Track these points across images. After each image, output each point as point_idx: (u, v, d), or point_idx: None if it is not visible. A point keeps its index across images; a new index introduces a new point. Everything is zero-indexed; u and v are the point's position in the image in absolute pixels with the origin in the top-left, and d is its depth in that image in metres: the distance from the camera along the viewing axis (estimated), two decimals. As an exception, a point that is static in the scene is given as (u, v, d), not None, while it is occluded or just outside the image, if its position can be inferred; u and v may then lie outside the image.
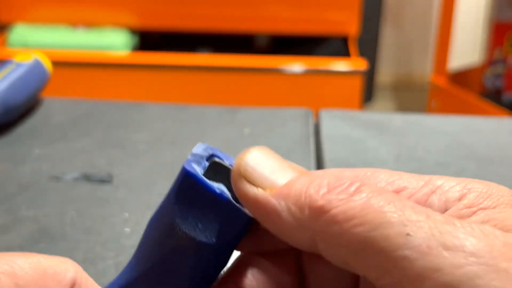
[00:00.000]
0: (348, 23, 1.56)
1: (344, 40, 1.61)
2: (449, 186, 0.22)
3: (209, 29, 1.57)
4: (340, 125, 0.61)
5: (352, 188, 0.20)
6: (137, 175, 0.52)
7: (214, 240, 0.23)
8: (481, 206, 0.21)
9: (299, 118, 0.63)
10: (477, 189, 0.22)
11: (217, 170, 0.24)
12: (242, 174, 0.22)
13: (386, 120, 0.62)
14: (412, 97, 2.33)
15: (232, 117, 0.63)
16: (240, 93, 1.46)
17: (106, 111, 0.64)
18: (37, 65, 0.63)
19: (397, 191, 0.22)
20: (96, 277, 0.27)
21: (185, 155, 0.56)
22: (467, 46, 2.22)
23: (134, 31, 1.58)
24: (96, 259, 0.40)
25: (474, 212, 0.21)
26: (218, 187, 0.23)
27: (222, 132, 0.60)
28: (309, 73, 1.45)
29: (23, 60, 0.62)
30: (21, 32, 1.50)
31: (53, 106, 0.64)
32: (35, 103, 0.64)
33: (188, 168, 0.23)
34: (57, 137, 0.58)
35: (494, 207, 0.21)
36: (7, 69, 0.60)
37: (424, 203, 0.22)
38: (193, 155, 0.24)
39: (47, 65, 0.64)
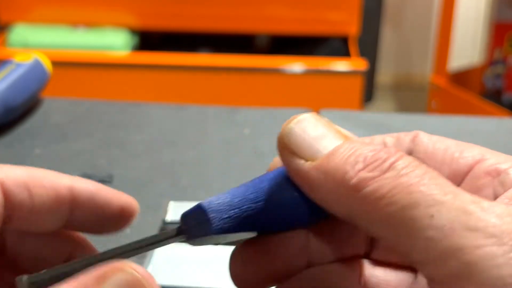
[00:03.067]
0: (348, 23, 1.57)
1: (344, 40, 1.61)
2: None
3: (209, 29, 1.57)
4: (340, 125, 0.61)
5: (386, 164, 0.21)
6: (137, 175, 0.52)
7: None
8: None
9: (299, 118, 0.63)
10: None
11: None
12: (286, 144, 0.23)
13: (386, 120, 0.62)
14: (412, 97, 2.33)
15: (232, 117, 0.63)
16: (240, 93, 1.46)
17: (106, 111, 0.64)
18: (37, 65, 0.63)
19: (482, 160, 0.24)
20: (96, 277, 0.27)
21: (185, 155, 0.57)
22: (467, 46, 2.22)
23: (134, 31, 1.58)
24: (96, 259, 0.40)
25: None
26: None
27: (222, 132, 0.60)
28: (309, 73, 1.45)
29: (23, 60, 0.62)
30: (21, 32, 1.50)
31: (53, 106, 0.64)
32: (35, 103, 0.64)
33: None
34: (57, 137, 0.58)
35: None
36: (7, 69, 0.61)
37: (501, 173, 0.23)
38: None
39: (47, 65, 0.64)
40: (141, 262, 0.40)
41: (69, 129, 0.60)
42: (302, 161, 0.23)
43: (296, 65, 1.45)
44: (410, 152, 0.26)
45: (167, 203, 0.45)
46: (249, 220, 0.24)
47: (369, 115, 0.65)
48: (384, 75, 2.39)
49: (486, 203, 0.20)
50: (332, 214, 0.23)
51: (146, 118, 0.63)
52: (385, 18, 2.19)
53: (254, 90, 1.46)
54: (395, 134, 0.27)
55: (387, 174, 0.21)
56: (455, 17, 1.79)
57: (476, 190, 0.24)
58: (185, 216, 0.25)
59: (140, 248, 0.24)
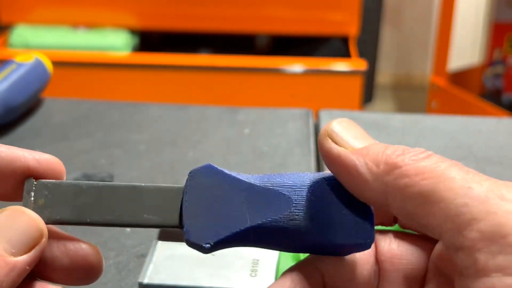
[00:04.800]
0: (348, 23, 1.57)
1: (344, 41, 1.61)
2: None
3: (209, 30, 1.57)
4: (339, 125, 0.61)
5: (423, 155, 0.23)
6: (137, 175, 0.52)
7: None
8: None
9: (299, 118, 0.63)
10: None
11: None
12: (329, 135, 0.26)
13: (385, 120, 0.62)
14: (412, 98, 2.33)
15: (232, 117, 0.63)
16: (240, 93, 1.46)
17: (106, 111, 0.64)
18: (38, 65, 0.63)
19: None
20: (97, 276, 0.27)
21: (185, 155, 0.57)
22: (467, 47, 2.22)
23: (134, 32, 1.58)
24: (97, 259, 0.41)
25: None
26: None
27: (222, 132, 0.60)
28: (309, 73, 1.45)
29: (24, 60, 0.63)
30: (22, 33, 1.51)
31: (54, 106, 0.65)
32: (36, 103, 0.64)
33: None
34: (58, 137, 0.58)
35: None
36: (8, 69, 0.61)
37: None
38: None
39: (48, 65, 0.64)
40: (141, 262, 0.40)
41: (70, 129, 0.60)
42: (342, 148, 0.25)
43: (296, 65, 1.45)
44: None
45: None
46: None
47: (369, 115, 0.65)
48: (384, 75, 2.39)
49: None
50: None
51: (146, 118, 0.63)
52: (385, 18, 2.19)
53: (254, 90, 1.46)
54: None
55: (426, 160, 0.23)
56: (454, 17, 1.79)
57: None
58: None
59: (142, 226, 0.26)
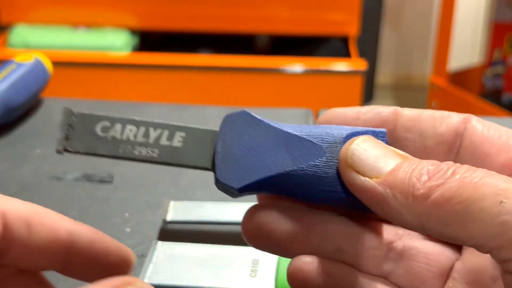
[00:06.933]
0: (348, 23, 1.57)
1: (344, 41, 1.61)
2: None
3: (209, 30, 1.57)
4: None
5: (449, 172, 0.23)
6: (137, 175, 0.52)
7: None
8: None
9: (299, 118, 0.63)
10: None
11: None
12: (349, 164, 0.24)
13: (385, 120, 0.62)
14: (412, 98, 2.33)
15: (232, 117, 0.63)
16: (240, 93, 1.46)
17: (106, 111, 0.64)
18: (38, 65, 0.63)
19: None
20: (97, 276, 0.27)
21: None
22: (467, 47, 2.22)
23: (134, 32, 1.58)
24: (96, 259, 0.41)
25: None
26: None
27: (222, 132, 0.60)
28: (309, 73, 1.45)
29: (24, 60, 0.62)
30: (21, 33, 1.51)
31: (53, 106, 0.65)
32: (36, 103, 0.64)
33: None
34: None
35: None
36: (8, 69, 0.61)
37: None
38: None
39: (48, 65, 0.64)
40: (141, 262, 0.40)
41: (70, 129, 0.60)
42: (365, 178, 0.24)
43: (296, 65, 1.45)
44: (459, 133, 0.27)
45: (168, 202, 0.45)
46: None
47: (369, 115, 0.65)
48: (384, 76, 2.39)
49: None
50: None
51: (146, 118, 0.63)
52: (385, 19, 2.19)
53: (254, 90, 1.46)
54: (446, 112, 0.28)
55: (452, 179, 0.22)
56: (454, 17, 1.79)
57: None
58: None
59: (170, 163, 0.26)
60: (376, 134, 0.26)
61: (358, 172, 0.24)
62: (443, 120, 0.27)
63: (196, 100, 1.42)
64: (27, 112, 0.62)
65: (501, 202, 0.21)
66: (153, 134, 0.27)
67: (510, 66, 1.84)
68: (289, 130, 0.26)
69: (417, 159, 0.24)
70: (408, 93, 2.37)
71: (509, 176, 0.25)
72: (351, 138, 0.25)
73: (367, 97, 2.11)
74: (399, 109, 0.28)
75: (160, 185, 0.50)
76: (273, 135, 0.26)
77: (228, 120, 0.27)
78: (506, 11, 1.83)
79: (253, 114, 0.27)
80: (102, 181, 0.51)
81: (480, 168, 0.23)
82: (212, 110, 0.65)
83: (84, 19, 1.55)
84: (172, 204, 0.45)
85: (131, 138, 0.27)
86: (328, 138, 0.26)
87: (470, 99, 1.77)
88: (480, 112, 1.69)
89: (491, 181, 0.22)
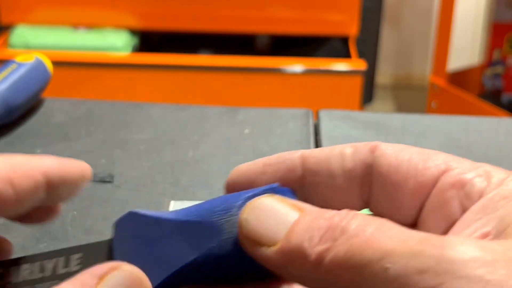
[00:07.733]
0: (348, 23, 1.57)
1: (344, 41, 1.61)
2: (496, 174, 0.23)
3: (209, 30, 1.57)
4: (340, 125, 0.61)
5: (338, 231, 0.21)
6: (137, 175, 0.52)
7: None
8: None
9: (299, 118, 0.63)
10: None
11: None
12: (245, 235, 0.23)
13: (385, 120, 0.63)
14: (412, 98, 2.33)
15: (232, 117, 0.63)
16: (240, 93, 1.47)
17: (107, 111, 0.64)
18: (39, 65, 0.63)
19: (447, 170, 0.24)
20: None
21: (185, 154, 0.57)
22: (467, 47, 2.22)
23: (134, 32, 1.58)
24: (97, 258, 0.41)
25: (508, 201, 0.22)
26: None
27: (222, 132, 0.60)
28: (309, 73, 1.45)
29: (25, 60, 0.63)
30: (22, 33, 1.51)
31: (54, 106, 0.65)
32: (36, 103, 0.64)
33: None
34: (58, 137, 0.58)
35: None
36: (9, 69, 0.61)
37: (466, 184, 0.23)
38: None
39: (48, 65, 0.64)
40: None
41: (70, 129, 0.60)
42: (265, 248, 0.22)
43: (296, 65, 1.45)
44: (368, 164, 0.25)
45: (168, 202, 0.45)
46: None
47: (369, 115, 0.65)
48: (383, 76, 2.39)
49: (433, 239, 0.20)
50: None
51: (146, 118, 0.63)
52: (384, 19, 2.19)
53: (254, 90, 1.46)
54: (354, 144, 0.26)
55: (339, 241, 0.21)
56: (454, 17, 1.79)
57: (443, 204, 0.23)
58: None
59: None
60: (274, 190, 0.24)
61: (255, 243, 0.22)
62: (351, 155, 0.26)
63: (196, 100, 1.42)
64: (27, 112, 0.62)
65: (386, 269, 0.20)
66: (49, 265, 0.26)
67: (510, 66, 1.84)
68: (180, 217, 0.24)
69: (316, 210, 0.22)
70: (408, 93, 2.37)
71: (419, 204, 0.24)
72: (245, 204, 0.23)
73: (367, 97, 2.11)
74: (306, 152, 0.26)
75: (160, 185, 0.50)
76: (166, 227, 0.24)
77: (118, 225, 0.25)
78: (506, 12, 1.84)
79: (139, 212, 0.25)
80: (102, 181, 0.51)
81: (376, 219, 0.21)
82: (212, 110, 0.65)
83: (84, 19, 1.55)
84: (172, 204, 0.45)
85: (28, 277, 0.26)
86: (222, 212, 0.24)
87: (470, 99, 1.77)
88: (480, 112, 1.69)
89: (377, 241, 0.20)
